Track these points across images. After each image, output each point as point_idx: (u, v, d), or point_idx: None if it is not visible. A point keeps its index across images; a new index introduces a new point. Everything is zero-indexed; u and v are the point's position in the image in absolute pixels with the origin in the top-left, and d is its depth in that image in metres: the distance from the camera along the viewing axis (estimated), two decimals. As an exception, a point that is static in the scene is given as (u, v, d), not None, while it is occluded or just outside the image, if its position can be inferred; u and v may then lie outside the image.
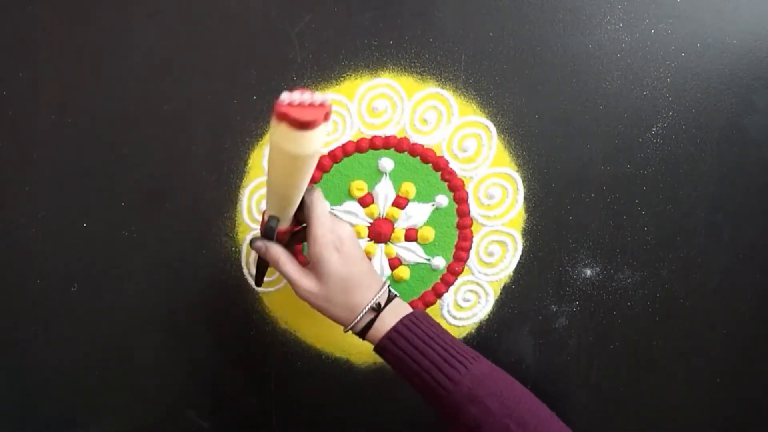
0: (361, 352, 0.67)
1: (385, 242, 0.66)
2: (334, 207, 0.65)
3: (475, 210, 0.65)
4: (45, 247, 0.65)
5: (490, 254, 0.66)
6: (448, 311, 0.66)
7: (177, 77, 0.63)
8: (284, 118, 0.46)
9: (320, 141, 0.48)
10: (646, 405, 0.68)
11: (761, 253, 0.66)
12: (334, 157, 0.64)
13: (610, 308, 0.66)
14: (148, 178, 0.64)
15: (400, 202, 0.65)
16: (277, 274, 0.65)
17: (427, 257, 0.66)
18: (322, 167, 0.64)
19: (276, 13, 0.62)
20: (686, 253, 0.66)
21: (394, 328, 0.54)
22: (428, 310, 0.66)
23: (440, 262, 0.66)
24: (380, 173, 0.65)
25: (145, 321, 0.67)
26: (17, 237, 0.65)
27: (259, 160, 0.64)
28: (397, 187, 0.65)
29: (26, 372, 0.68)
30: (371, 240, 0.65)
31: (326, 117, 0.47)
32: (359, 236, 0.65)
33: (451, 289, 0.66)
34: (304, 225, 0.56)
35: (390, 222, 0.65)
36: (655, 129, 0.64)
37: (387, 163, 0.64)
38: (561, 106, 0.63)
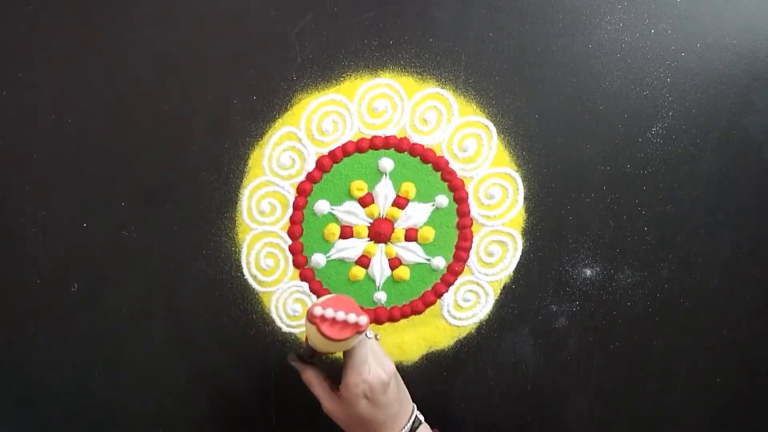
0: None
1: (385, 242, 0.66)
2: (334, 207, 0.65)
3: (475, 210, 0.65)
4: (45, 247, 0.65)
5: (490, 254, 0.66)
6: (448, 311, 0.66)
7: (177, 77, 0.63)
8: (315, 325, 0.50)
9: (351, 344, 0.52)
10: (646, 405, 0.68)
11: (761, 254, 0.66)
12: (334, 157, 0.64)
13: (610, 308, 0.66)
14: (148, 178, 0.64)
15: (400, 202, 0.65)
16: (277, 274, 0.66)
17: (427, 257, 0.66)
18: (322, 167, 0.64)
19: (276, 13, 0.62)
20: (686, 253, 0.66)
21: None
22: (428, 310, 0.66)
23: (440, 262, 0.66)
24: (380, 173, 0.65)
25: (145, 321, 0.67)
26: (17, 237, 0.65)
27: (259, 160, 0.64)
28: (397, 187, 0.65)
29: (26, 372, 0.68)
30: (371, 240, 0.66)
31: (358, 332, 0.50)
32: (359, 236, 0.65)
33: (451, 289, 0.66)
34: None
35: (390, 222, 0.65)
36: (655, 129, 0.64)
37: (387, 163, 0.64)
38: (561, 106, 0.63)
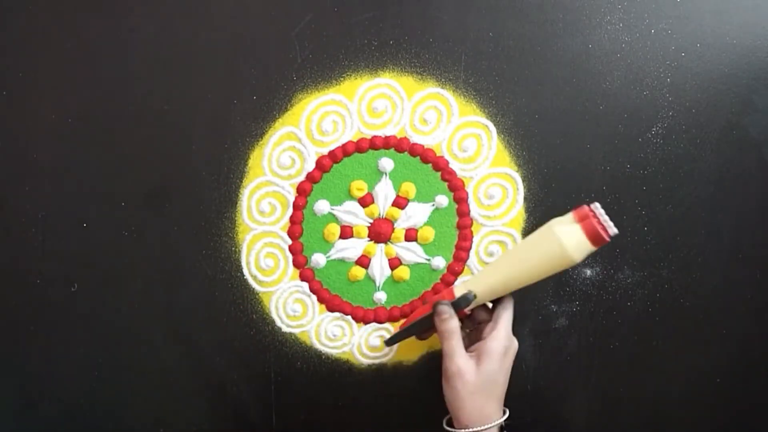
0: (361, 353, 0.67)
1: (385, 242, 0.66)
2: (334, 207, 0.65)
3: (475, 210, 0.65)
4: (45, 247, 0.65)
5: (490, 254, 0.66)
6: (448, 311, 0.66)
7: (177, 77, 0.63)
8: (586, 224, 0.50)
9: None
10: (646, 405, 0.68)
11: (761, 253, 0.66)
12: (334, 157, 0.64)
13: (610, 308, 0.66)
14: (148, 178, 0.64)
15: (400, 202, 0.65)
16: (277, 274, 0.66)
17: (427, 257, 0.66)
18: (322, 167, 0.64)
19: (276, 13, 0.62)
20: (686, 253, 0.66)
21: None
22: (428, 310, 0.66)
23: (440, 262, 0.66)
24: (380, 173, 0.65)
25: (145, 321, 0.67)
26: (17, 237, 0.65)
27: (259, 160, 0.64)
28: (397, 187, 0.65)
29: (26, 372, 0.68)
30: (371, 240, 0.66)
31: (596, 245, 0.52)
32: (359, 236, 0.65)
33: (451, 289, 0.66)
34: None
35: (390, 222, 0.65)
36: (655, 129, 0.64)
37: (387, 163, 0.64)
38: (561, 106, 0.63)
